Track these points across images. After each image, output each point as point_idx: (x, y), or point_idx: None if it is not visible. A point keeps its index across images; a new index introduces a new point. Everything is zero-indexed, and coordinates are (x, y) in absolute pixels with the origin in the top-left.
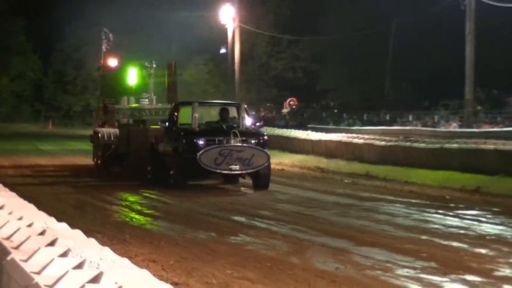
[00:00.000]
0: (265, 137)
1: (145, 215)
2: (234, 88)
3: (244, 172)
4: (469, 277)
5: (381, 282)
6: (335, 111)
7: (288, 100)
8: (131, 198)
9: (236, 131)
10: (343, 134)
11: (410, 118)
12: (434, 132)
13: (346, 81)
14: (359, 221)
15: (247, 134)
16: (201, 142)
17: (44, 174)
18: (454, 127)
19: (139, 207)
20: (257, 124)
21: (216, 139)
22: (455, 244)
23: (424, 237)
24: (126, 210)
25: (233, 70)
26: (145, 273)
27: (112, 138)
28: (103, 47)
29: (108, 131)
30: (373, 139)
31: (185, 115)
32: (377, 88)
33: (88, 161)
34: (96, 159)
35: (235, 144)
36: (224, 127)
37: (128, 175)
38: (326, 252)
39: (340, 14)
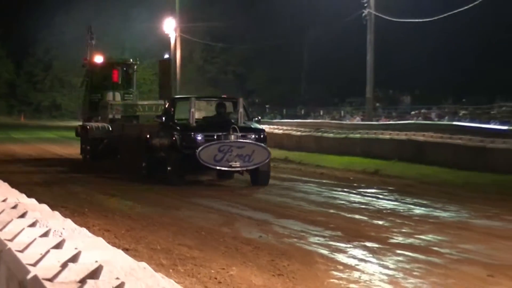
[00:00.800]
0: (265, 132)
1: (104, 194)
2: (176, 87)
3: (244, 169)
4: (369, 244)
5: (297, 248)
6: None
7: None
8: (96, 180)
9: (236, 127)
10: (266, 126)
11: (321, 112)
12: (341, 125)
13: (268, 82)
14: (279, 198)
15: (246, 129)
16: (199, 137)
17: (16, 158)
18: (357, 120)
19: (100, 188)
20: (255, 119)
21: (215, 135)
22: (357, 216)
23: (332, 211)
24: (88, 189)
25: (175, 72)
26: (100, 240)
27: (102, 133)
28: (89, 44)
29: (97, 126)
30: (290, 130)
31: (181, 110)
32: (294, 88)
33: (54, 148)
34: (84, 153)
35: (235, 140)
36: (222, 122)
37: (121, 170)
38: (252, 223)
39: (263, 25)
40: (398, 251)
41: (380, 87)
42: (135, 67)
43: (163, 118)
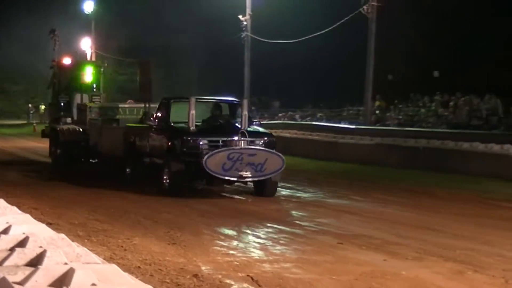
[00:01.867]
0: (274, 138)
1: (34, 178)
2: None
3: (256, 179)
4: (244, 219)
5: (188, 222)
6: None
7: (127, 101)
8: (32, 168)
9: (245, 131)
10: None
11: None
12: None
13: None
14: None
15: (255, 134)
16: (203, 143)
17: None
18: None
19: (34, 174)
20: (255, 122)
21: (220, 140)
22: (236, 197)
23: (215, 195)
24: (22, 175)
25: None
26: (28, 216)
27: (76, 136)
28: (55, 47)
29: (68, 128)
30: None
31: (176, 113)
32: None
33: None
34: (54, 156)
35: (247, 147)
36: (227, 126)
37: (100, 174)
38: (153, 202)
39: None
40: (268, 224)
41: (256, 94)
42: (102, 69)
43: (156, 121)
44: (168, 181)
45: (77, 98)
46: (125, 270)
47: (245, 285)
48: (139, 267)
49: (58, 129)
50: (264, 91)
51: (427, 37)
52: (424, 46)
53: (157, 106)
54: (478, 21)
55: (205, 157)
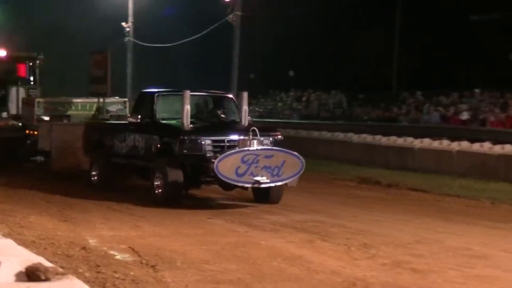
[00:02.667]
0: (282, 136)
1: None
2: None
3: (273, 185)
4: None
5: (79, 202)
6: None
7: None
8: None
9: (255, 129)
10: None
11: None
12: None
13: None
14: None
15: (265, 132)
16: (207, 143)
17: None
18: None
19: None
20: (248, 118)
21: (226, 140)
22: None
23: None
24: None
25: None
26: None
27: (14, 132)
28: None
29: (6, 124)
30: None
31: (162, 108)
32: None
33: None
34: None
35: (264, 148)
36: (227, 123)
37: (52, 174)
38: (47, 184)
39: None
40: (147, 204)
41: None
42: (38, 62)
43: (137, 117)
44: (161, 190)
45: (13, 92)
46: (21, 245)
47: (127, 255)
48: (34, 241)
49: None
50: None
51: (284, 42)
52: (281, 49)
53: (136, 100)
54: (324, 29)
55: (216, 160)
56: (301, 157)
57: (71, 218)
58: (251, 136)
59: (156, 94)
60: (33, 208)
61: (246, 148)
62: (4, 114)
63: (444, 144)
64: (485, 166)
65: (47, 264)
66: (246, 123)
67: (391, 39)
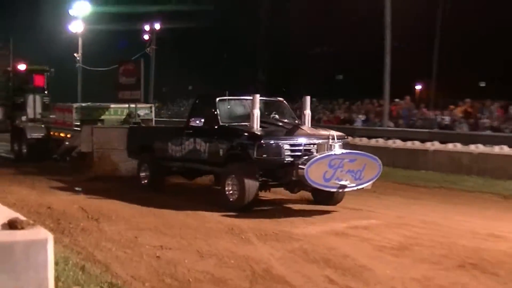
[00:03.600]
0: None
1: None
2: None
3: (355, 188)
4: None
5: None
6: None
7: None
8: None
9: (334, 133)
10: None
11: None
12: None
13: None
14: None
15: (338, 136)
16: (286, 148)
17: None
18: None
19: None
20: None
21: (303, 144)
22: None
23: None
24: None
25: None
26: None
27: (41, 134)
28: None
29: (35, 127)
30: None
31: (224, 112)
32: None
33: None
34: (17, 154)
35: (349, 152)
36: (297, 126)
37: (94, 176)
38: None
39: None
40: (97, 179)
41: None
42: (48, 74)
43: (196, 122)
44: (236, 196)
45: (30, 99)
46: (5, 205)
47: (77, 211)
48: (14, 203)
49: (22, 126)
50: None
51: (184, 64)
52: (183, 69)
53: (193, 104)
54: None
55: (306, 165)
56: (379, 160)
57: (39, 187)
58: (330, 140)
59: (218, 99)
60: (14, 180)
61: (333, 153)
62: (24, 118)
63: None
64: None
65: (23, 218)
66: (309, 126)
67: None
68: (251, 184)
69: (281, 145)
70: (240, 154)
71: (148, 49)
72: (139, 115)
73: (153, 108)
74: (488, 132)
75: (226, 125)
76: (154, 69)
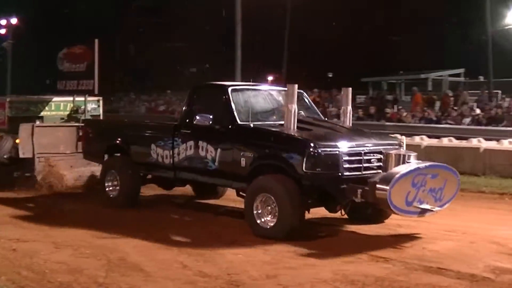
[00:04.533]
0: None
1: None
2: None
3: (435, 211)
4: None
5: None
6: None
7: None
8: None
9: (402, 138)
10: None
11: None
12: None
13: None
14: None
15: (382, 136)
16: (345, 158)
17: None
18: None
19: None
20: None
21: (363, 152)
22: None
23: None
24: None
25: None
26: None
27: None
28: None
29: None
30: None
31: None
32: None
33: None
34: None
35: (431, 164)
36: (342, 125)
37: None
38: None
39: None
40: None
41: None
42: None
43: (197, 118)
44: (275, 222)
45: None
46: None
47: None
48: None
49: None
50: None
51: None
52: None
53: (191, 97)
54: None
55: (390, 185)
56: (457, 173)
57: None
58: (402, 148)
59: (231, 88)
60: None
61: (417, 166)
62: None
63: None
64: None
65: None
66: (350, 126)
67: None
68: (295, 208)
69: (340, 155)
70: (277, 166)
71: (5, 43)
72: (88, 110)
73: (101, 102)
74: (335, 120)
75: (249, 124)
76: (11, 60)
